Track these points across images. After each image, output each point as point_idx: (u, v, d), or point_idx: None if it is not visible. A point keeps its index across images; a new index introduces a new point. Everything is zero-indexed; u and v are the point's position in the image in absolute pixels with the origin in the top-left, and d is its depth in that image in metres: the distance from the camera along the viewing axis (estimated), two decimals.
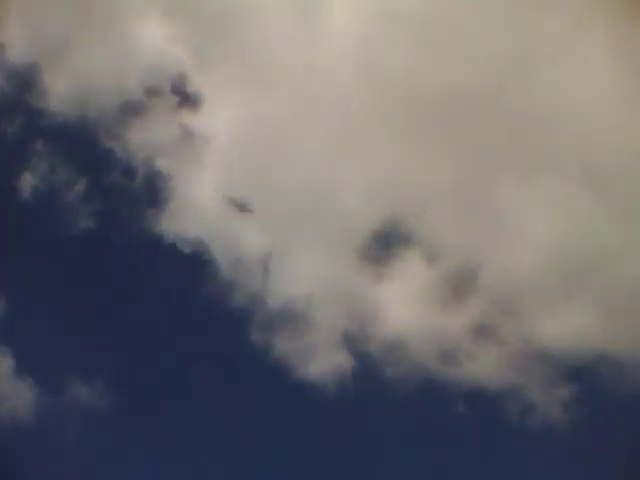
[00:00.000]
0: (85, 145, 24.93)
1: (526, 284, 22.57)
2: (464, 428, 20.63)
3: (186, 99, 25.54)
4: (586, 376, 21.26)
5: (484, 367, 21.81)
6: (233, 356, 21.83)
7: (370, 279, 23.54)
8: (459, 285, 22.99)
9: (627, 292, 21.36)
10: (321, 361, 21.99)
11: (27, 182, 23.81)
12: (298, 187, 24.18)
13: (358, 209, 23.89)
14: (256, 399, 20.89)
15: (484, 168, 24.21)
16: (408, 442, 20.16)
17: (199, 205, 24.17)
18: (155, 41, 25.93)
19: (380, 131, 24.29)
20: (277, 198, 24.61)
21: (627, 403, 20.31)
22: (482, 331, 22.36)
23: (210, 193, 24.34)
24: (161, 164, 24.83)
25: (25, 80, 24.72)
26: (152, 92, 25.55)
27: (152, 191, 24.47)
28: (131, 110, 25.27)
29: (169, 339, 21.72)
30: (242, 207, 24.40)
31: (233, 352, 22.07)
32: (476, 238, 23.36)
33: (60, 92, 24.70)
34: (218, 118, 25.36)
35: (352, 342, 22.44)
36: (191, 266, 23.41)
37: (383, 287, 23.40)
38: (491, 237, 23.39)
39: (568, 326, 21.71)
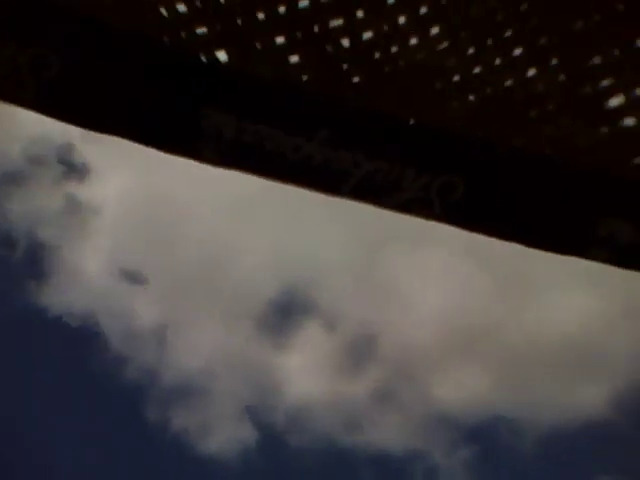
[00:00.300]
0: None
1: (422, 350, 23.24)
2: None
3: (72, 169, 24.81)
4: (485, 435, 21.81)
5: (387, 432, 21.78)
6: (127, 433, 20.21)
7: (270, 348, 23.17)
8: (359, 353, 23.20)
9: (516, 352, 22.62)
10: (223, 435, 20.89)
11: None
12: (194, 255, 23.79)
13: (256, 277, 23.83)
14: (157, 476, 19.27)
15: (375, 239, 25.34)
16: None
17: (88, 277, 22.90)
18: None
19: (278, 201, 24.90)
20: (171, 268, 23.98)
21: (524, 460, 20.99)
22: (383, 397, 22.47)
23: (100, 264, 23.20)
24: (45, 235, 23.51)
25: None
26: (36, 161, 24.64)
27: (34, 262, 22.92)
28: (12, 179, 24.10)
29: (55, 418, 19.76)
30: (135, 278, 23.43)
31: (126, 430, 20.44)
32: (372, 306, 23.94)
33: None
34: (107, 188, 24.77)
35: (254, 414, 21.63)
36: (79, 340, 21.86)
37: (284, 356, 23.06)
38: (386, 305, 24.07)
39: (463, 388, 22.39)
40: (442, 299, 24.24)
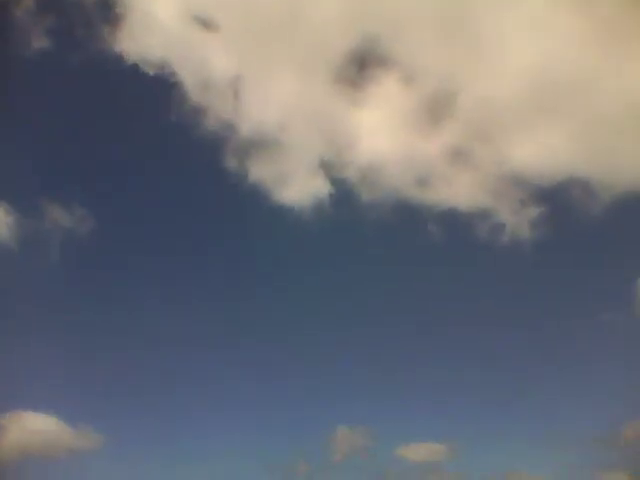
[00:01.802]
0: None
1: (503, 108, 22.29)
2: (437, 248, 21.41)
3: None
4: (555, 197, 21.82)
5: (457, 190, 22.13)
6: (208, 182, 21.45)
7: (345, 103, 22.77)
8: (436, 109, 22.52)
9: (601, 114, 21.34)
10: (298, 187, 21.85)
11: None
12: (268, 1, 22.37)
13: (332, 26, 22.39)
14: (237, 223, 20.91)
15: None
16: (385, 262, 20.87)
17: (160, 23, 22.20)
18: None
19: None
20: (244, 14, 22.80)
21: (592, 224, 21.12)
22: (457, 155, 22.36)
23: (172, 10, 22.29)
24: None
25: None
26: None
27: (107, 6, 22.25)
28: None
29: (143, 164, 21.07)
30: (207, 25, 22.58)
31: (207, 178, 21.64)
32: (455, 61, 22.51)
33: None
34: None
35: (328, 168, 22.24)
36: (156, 89, 22.06)
37: (359, 112, 22.76)
38: (471, 60, 22.56)
39: (541, 149, 21.88)
40: (533, 49, 22.24)
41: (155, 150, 21.56)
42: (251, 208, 21.20)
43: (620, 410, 17.68)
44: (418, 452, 19.48)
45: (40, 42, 21.64)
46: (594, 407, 18.04)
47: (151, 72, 22.07)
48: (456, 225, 21.79)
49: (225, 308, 21.45)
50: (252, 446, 19.71)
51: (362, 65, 22.70)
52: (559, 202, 21.59)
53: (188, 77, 22.27)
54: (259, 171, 21.91)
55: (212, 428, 19.99)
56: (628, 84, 20.61)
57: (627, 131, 21.24)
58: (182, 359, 20.92)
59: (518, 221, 21.82)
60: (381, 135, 22.38)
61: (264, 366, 21.03)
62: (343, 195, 21.95)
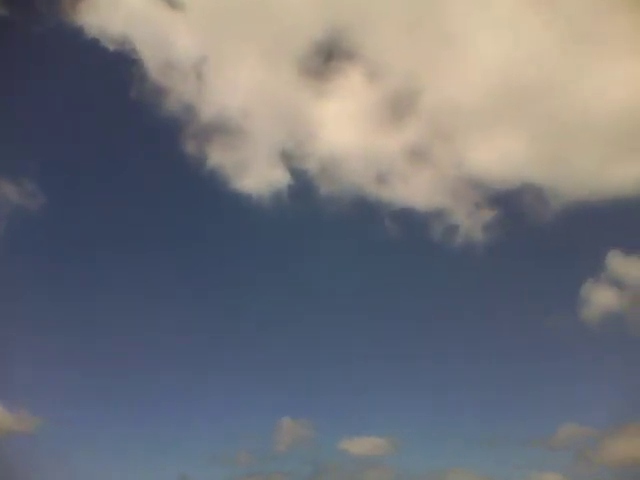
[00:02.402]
0: None
1: (465, 110, 22.50)
2: (392, 244, 21.54)
3: None
4: (509, 202, 22.19)
5: (415, 189, 22.28)
6: (165, 164, 21.06)
7: (309, 94, 22.62)
8: (399, 106, 22.59)
9: (558, 124, 21.77)
10: (257, 175, 21.67)
11: None
12: None
13: (301, 16, 22.17)
14: (191, 206, 20.63)
15: None
16: (339, 255, 20.90)
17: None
18: None
19: None
20: None
21: (543, 230, 21.58)
22: (417, 154, 22.51)
23: None
24: None
25: None
26: None
27: None
28: None
29: (98, 140, 20.49)
30: (173, 4, 22.04)
31: (164, 160, 21.23)
32: (421, 59, 22.58)
33: None
34: None
35: (289, 158, 22.10)
36: (117, 65, 21.46)
37: (322, 104, 22.64)
38: (436, 60, 22.68)
39: (498, 153, 22.19)
40: (497, 55, 22.49)
41: (111, 127, 21.04)
42: (207, 193, 20.98)
43: (558, 412, 18.26)
44: (361, 446, 19.70)
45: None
46: (535, 409, 18.58)
47: (111, 47, 21.49)
48: (412, 223, 22.01)
49: (170, 293, 21.15)
50: (194, 435, 19.59)
51: (328, 57, 22.60)
52: (512, 207, 22.01)
53: (150, 56, 21.76)
54: (218, 157, 21.65)
55: (155, 417, 19.82)
56: (586, 95, 21.11)
57: (581, 142, 21.77)
58: (123, 346, 20.62)
59: (472, 223, 22.16)
60: (343, 129, 22.37)
61: (209, 356, 20.90)
62: (302, 186, 21.91)
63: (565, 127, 21.46)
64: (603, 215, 20.75)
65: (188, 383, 20.31)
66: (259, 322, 21.27)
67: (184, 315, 21.04)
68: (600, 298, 20.22)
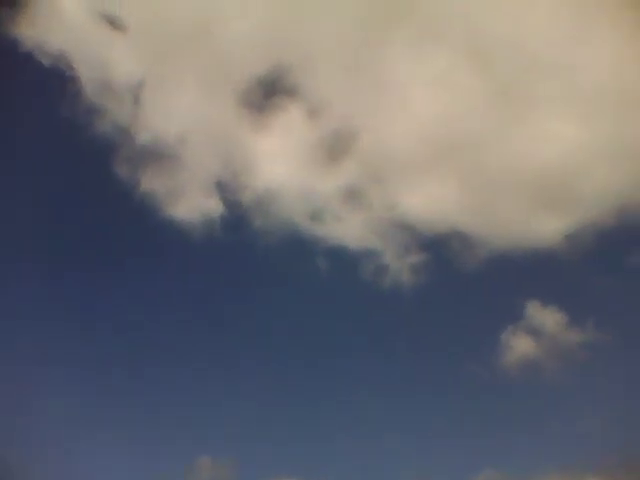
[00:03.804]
0: None
1: (399, 155, 23.13)
2: (323, 282, 21.55)
3: None
4: (436, 247, 22.75)
5: (348, 228, 22.51)
6: (94, 186, 20.33)
7: (248, 127, 22.64)
8: (336, 146, 22.94)
9: (487, 175, 22.70)
10: (189, 204, 21.29)
11: None
12: (182, 10, 21.81)
13: (245, 48, 22.31)
14: (118, 231, 19.93)
15: (377, 30, 23.54)
16: (270, 289, 20.75)
17: (65, 14, 21.03)
18: None
19: None
20: (156, 20, 22.12)
21: (468, 277, 22.21)
22: (351, 194, 22.83)
23: (80, 3, 21.20)
24: None
25: None
26: None
27: None
28: None
29: (25, 155, 19.56)
30: (116, 25, 21.67)
31: (93, 182, 20.51)
32: (360, 102, 23.16)
33: None
34: None
35: (223, 189, 21.89)
36: (50, 81, 20.74)
37: (260, 138, 22.69)
38: (375, 104, 23.32)
39: (430, 199, 22.84)
40: (434, 104, 23.36)
41: (38, 143, 20.18)
42: (137, 218, 20.36)
43: (478, 458, 18.56)
44: None
45: None
46: (455, 454, 18.81)
47: (46, 62, 20.84)
48: (343, 261, 22.15)
49: (84, 319, 20.13)
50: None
51: (270, 92, 22.76)
52: (440, 252, 22.55)
53: (87, 75, 21.22)
54: (150, 183, 21.14)
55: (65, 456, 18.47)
56: (513, 151, 22.20)
57: (507, 194, 22.76)
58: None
59: (401, 265, 22.54)
60: (280, 164, 22.44)
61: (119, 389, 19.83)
62: (235, 218, 21.68)
63: (493, 179, 22.43)
64: (525, 266, 21.64)
65: (95, 422, 19.15)
66: (177, 355, 20.63)
67: (99, 346, 20.10)
68: (518, 346, 20.92)
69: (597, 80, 21.45)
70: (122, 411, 19.11)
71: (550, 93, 21.77)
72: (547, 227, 22.00)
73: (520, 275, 21.90)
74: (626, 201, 21.12)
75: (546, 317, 21.23)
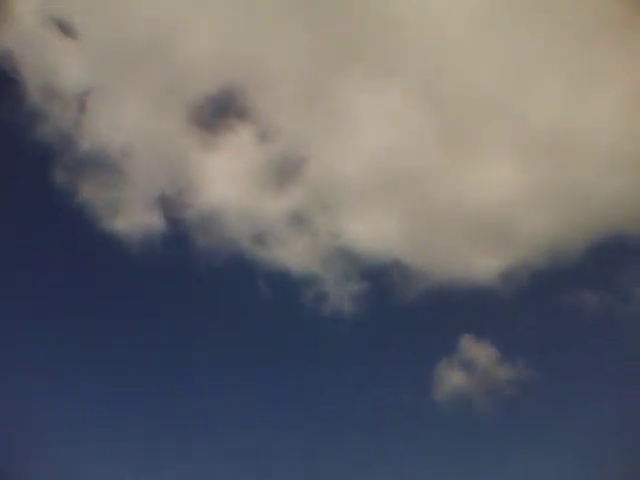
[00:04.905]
0: None
1: (347, 183, 23.33)
2: (264, 305, 21.31)
3: None
4: (377, 277, 22.93)
5: (291, 253, 22.42)
6: (30, 191, 19.49)
7: (196, 145, 22.36)
8: (284, 170, 22.95)
9: (434, 209, 23.15)
10: (130, 218, 20.67)
11: None
12: (137, 22, 21.48)
13: (200, 66, 22.16)
14: (52, 240, 19.11)
15: (332, 61, 23.89)
16: (208, 310, 20.31)
17: (16, 15, 20.38)
18: None
19: None
20: (109, 29, 21.73)
21: (406, 308, 22.44)
22: (296, 219, 22.80)
23: (31, 5, 20.62)
24: None
25: None
26: None
27: None
28: None
29: None
30: (67, 30, 21.13)
31: (29, 187, 19.69)
32: (311, 128, 23.31)
33: None
34: None
35: (167, 205, 21.42)
36: None
37: (208, 157, 22.43)
38: (325, 131, 23.53)
39: (374, 229, 23.08)
40: (383, 136, 23.76)
41: None
42: (73, 229, 19.61)
43: None
44: None
45: None
46: None
47: None
48: (284, 286, 21.97)
49: (18, 337, 19.08)
50: None
51: (220, 112, 22.62)
52: (380, 282, 22.73)
53: (32, 78, 20.54)
54: (90, 192, 20.47)
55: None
56: (458, 189, 22.80)
57: (449, 230, 23.28)
58: None
59: (341, 293, 22.57)
60: (227, 184, 22.22)
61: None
62: (177, 236, 21.18)
63: (435, 215, 22.90)
64: (461, 301, 22.05)
65: None
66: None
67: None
68: (452, 379, 21.19)
69: (541, 126, 22.42)
70: None
71: (496, 136, 22.59)
72: (484, 264, 22.55)
73: (456, 309, 22.30)
74: (559, 244, 21.95)
75: (479, 352, 21.63)
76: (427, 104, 22.89)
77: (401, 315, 22.38)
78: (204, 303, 20.36)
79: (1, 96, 19.56)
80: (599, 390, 19.82)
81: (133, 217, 20.67)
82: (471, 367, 21.36)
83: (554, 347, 21.12)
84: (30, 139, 19.97)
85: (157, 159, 21.69)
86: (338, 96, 23.87)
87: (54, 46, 20.72)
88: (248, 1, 23.18)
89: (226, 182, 22.17)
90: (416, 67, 23.56)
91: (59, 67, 20.79)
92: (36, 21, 20.67)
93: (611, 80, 22.13)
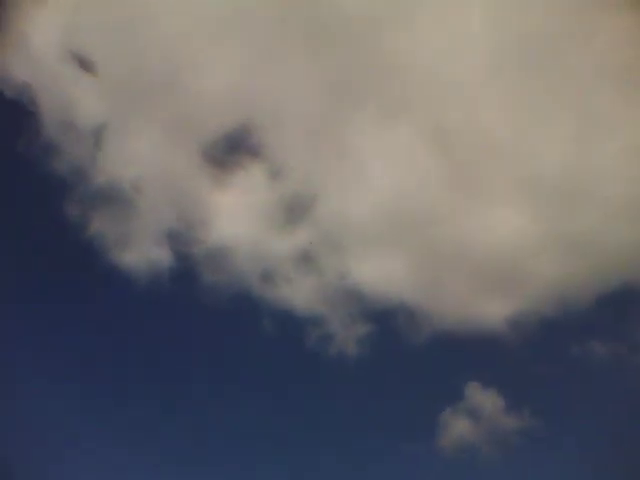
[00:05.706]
0: None
1: (355, 224, 23.36)
2: (268, 343, 21.14)
3: None
4: (383, 320, 22.76)
5: (297, 292, 22.33)
6: (42, 222, 19.64)
7: (208, 182, 22.54)
8: (294, 209, 23.05)
9: (436, 255, 23.11)
10: (139, 251, 20.74)
11: None
12: (154, 58, 21.88)
13: (214, 103, 22.47)
14: (62, 270, 19.14)
15: (345, 103, 24.18)
16: (212, 346, 20.17)
17: (36, 48, 20.84)
18: None
19: (257, 30, 22.91)
20: (126, 65, 22.13)
21: (411, 353, 22.19)
22: (304, 259, 22.77)
23: (52, 38, 21.08)
24: None
25: None
26: None
27: None
28: None
29: None
30: (86, 65, 21.55)
31: (42, 218, 19.83)
32: (321, 168, 23.47)
33: None
34: None
35: (175, 240, 21.47)
36: (10, 113, 20.26)
37: (219, 193, 22.58)
38: (334, 171, 23.68)
39: (381, 271, 22.99)
40: (391, 178, 23.91)
41: None
42: (82, 260, 19.67)
43: None
44: None
45: None
46: None
47: (9, 93, 20.43)
48: (290, 325, 21.84)
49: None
50: None
51: (233, 149, 22.85)
52: (386, 325, 22.54)
53: (49, 111, 20.88)
54: (101, 226, 20.62)
55: None
56: (465, 232, 22.77)
57: (455, 274, 23.17)
58: None
59: (347, 335, 22.39)
60: (236, 221, 22.29)
61: None
62: (185, 271, 21.20)
63: (443, 258, 22.83)
64: (467, 346, 21.80)
65: None
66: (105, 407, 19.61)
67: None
68: (457, 426, 20.82)
69: (549, 172, 22.46)
70: None
71: (505, 179, 22.65)
72: (491, 310, 22.37)
73: (462, 355, 22.04)
74: (568, 292, 21.77)
75: (485, 400, 21.29)
76: (435, 146, 23.07)
77: (406, 359, 22.14)
78: (207, 338, 20.27)
79: (19, 128, 19.78)
80: (606, 441, 19.41)
81: (142, 251, 20.75)
82: (476, 415, 21.04)
83: (561, 397, 20.77)
84: (45, 171, 20.20)
85: (168, 194, 21.85)
86: (348, 136, 24.13)
87: (72, 80, 21.08)
88: (263, 39, 23.54)
89: (235, 219, 22.25)
90: (425, 109, 23.81)
91: (76, 101, 21.13)
92: (55, 55, 21.08)
93: (619, 126, 22.26)
